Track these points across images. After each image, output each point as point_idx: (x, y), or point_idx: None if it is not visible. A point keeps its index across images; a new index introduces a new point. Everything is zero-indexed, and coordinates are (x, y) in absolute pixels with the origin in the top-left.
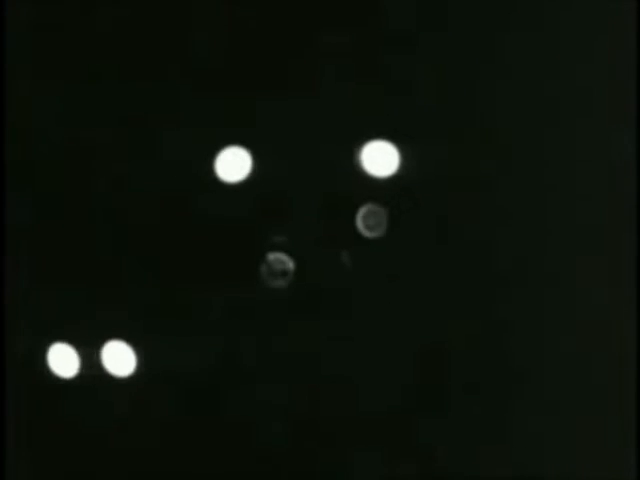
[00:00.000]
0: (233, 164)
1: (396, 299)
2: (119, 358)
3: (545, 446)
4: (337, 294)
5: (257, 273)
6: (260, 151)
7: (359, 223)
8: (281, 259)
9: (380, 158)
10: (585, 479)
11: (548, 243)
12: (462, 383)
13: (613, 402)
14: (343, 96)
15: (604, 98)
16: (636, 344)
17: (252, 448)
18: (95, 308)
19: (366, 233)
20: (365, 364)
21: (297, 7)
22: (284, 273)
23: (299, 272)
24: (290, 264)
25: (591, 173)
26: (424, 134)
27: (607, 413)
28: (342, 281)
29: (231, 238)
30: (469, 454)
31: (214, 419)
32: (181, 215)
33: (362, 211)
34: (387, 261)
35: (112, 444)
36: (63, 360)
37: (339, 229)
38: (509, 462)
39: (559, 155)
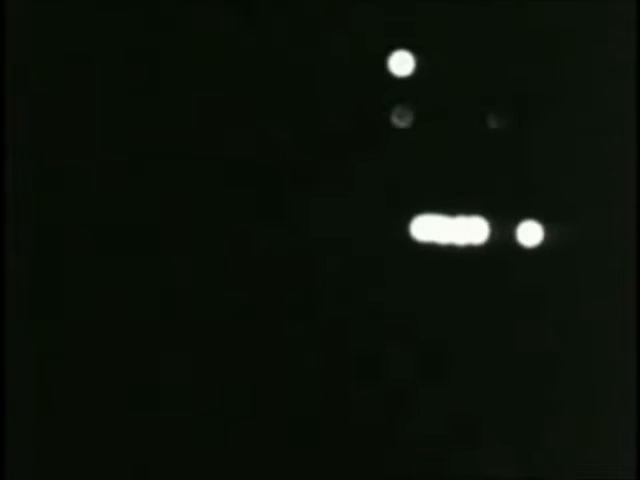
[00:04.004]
0: None
1: None
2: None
3: (545, 446)
4: None
5: None
6: None
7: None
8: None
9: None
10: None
11: None
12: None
13: (613, 402)
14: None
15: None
16: (636, 344)
17: None
18: None
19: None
20: None
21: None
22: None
23: None
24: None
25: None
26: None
27: (607, 413)
28: None
29: None
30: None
31: None
32: None
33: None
34: None
35: None
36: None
37: None
38: (509, 463)
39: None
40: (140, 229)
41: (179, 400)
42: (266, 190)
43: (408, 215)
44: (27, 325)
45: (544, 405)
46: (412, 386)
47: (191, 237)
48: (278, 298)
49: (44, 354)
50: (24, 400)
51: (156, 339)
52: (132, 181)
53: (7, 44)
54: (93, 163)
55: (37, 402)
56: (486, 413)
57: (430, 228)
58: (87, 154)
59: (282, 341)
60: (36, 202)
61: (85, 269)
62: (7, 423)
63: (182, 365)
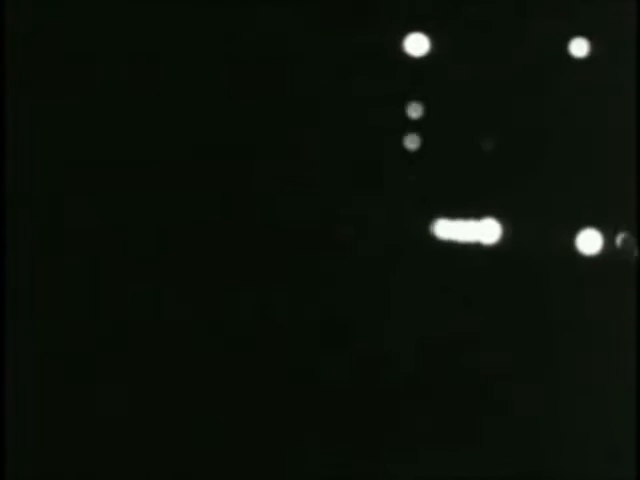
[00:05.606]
0: None
1: None
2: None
3: (545, 446)
4: None
5: None
6: None
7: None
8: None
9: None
10: (585, 479)
11: None
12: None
13: (613, 402)
14: None
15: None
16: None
17: None
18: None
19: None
20: None
21: None
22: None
23: None
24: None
25: None
26: None
27: (607, 413)
28: None
29: None
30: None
31: None
32: None
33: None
34: None
35: None
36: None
37: None
38: (509, 462)
39: None
40: (139, 230)
41: (179, 399)
42: (293, 192)
43: (432, 217)
44: (27, 325)
45: (544, 405)
46: (417, 382)
47: (199, 239)
48: (301, 295)
49: (44, 354)
50: (24, 400)
51: (156, 338)
52: (131, 184)
53: (7, 44)
54: (93, 162)
55: (37, 402)
56: (487, 413)
57: (452, 230)
58: (87, 152)
59: (301, 339)
60: (36, 202)
61: (84, 269)
62: (7, 423)
63: (181, 364)
